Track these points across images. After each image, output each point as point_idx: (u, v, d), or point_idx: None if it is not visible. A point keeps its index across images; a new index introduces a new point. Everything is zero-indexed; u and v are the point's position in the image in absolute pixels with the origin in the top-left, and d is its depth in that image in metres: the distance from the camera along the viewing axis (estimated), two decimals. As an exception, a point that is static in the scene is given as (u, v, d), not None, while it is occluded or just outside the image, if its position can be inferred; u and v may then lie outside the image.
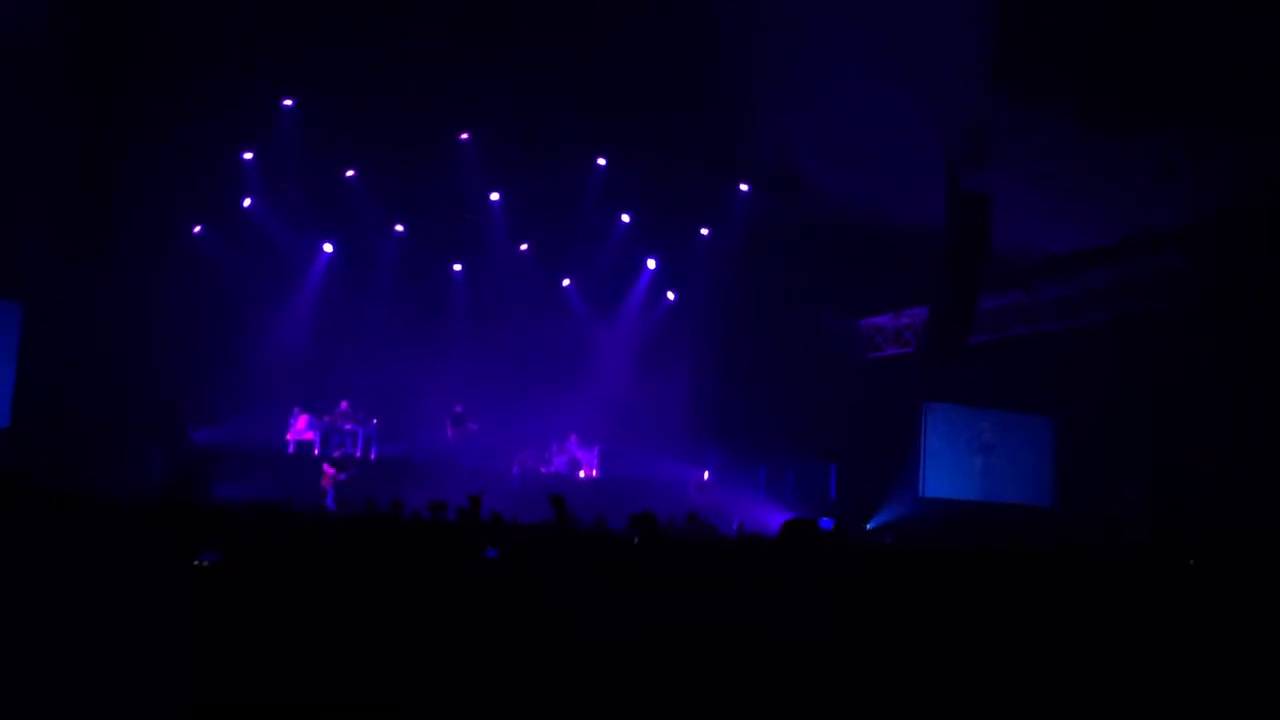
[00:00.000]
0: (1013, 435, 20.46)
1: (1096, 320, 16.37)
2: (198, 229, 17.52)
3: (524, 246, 19.32)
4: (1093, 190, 13.85)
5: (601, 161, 18.74)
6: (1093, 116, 12.27)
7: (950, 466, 20.17)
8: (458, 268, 19.46)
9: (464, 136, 18.16)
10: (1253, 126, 11.73)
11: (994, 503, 19.79)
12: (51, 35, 13.97)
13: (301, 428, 17.76)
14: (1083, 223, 14.89)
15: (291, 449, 17.54)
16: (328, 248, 18.41)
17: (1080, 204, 14.29)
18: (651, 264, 20.06)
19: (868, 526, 19.49)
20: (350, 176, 17.89)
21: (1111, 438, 17.74)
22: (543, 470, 18.90)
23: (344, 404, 18.13)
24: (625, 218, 19.43)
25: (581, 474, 19.13)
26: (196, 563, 5.24)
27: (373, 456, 18.00)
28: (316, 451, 17.48)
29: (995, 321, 17.76)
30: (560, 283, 20.06)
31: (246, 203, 17.55)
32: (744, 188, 19.31)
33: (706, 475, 19.81)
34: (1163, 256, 14.78)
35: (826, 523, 17.87)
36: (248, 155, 17.35)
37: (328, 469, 16.58)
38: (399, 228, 18.63)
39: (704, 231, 19.83)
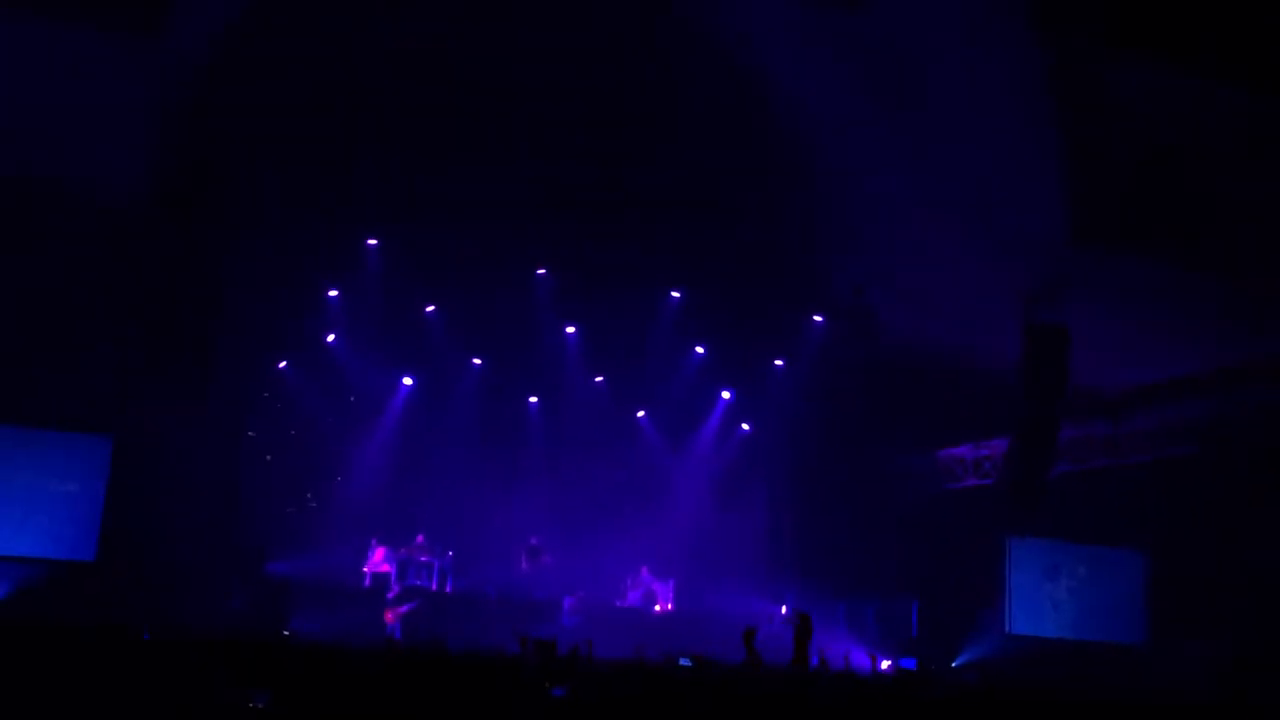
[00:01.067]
0: (1102, 570, 19.81)
1: (1183, 452, 15.95)
2: (283, 364, 17.97)
3: (599, 379, 19.47)
4: (1175, 324, 13.68)
5: (676, 294, 18.95)
6: (1172, 259, 12.22)
7: (1037, 602, 19.53)
8: (534, 400, 19.65)
9: (541, 271, 18.53)
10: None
11: (1083, 640, 19.07)
12: (149, 176, 14.62)
13: (379, 560, 17.82)
14: (1165, 356, 14.66)
15: (368, 581, 17.58)
16: (407, 381, 18.74)
17: (1161, 337, 14.10)
18: (726, 395, 20.05)
19: (953, 664, 18.87)
20: (430, 312, 18.29)
21: (1207, 574, 17.09)
22: (617, 604, 18.68)
23: (420, 537, 18.21)
24: (700, 349, 19.53)
25: (656, 608, 18.85)
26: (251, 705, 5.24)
27: (448, 589, 17.96)
28: (394, 584, 17.49)
29: (1079, 453, 17.37)
30: (635, 415, 20.12)
31: (330, 338, 18.00)
32: (818, 319, 19.33)
33: (784, 610, 19.39)
34: (1250, 388, 14.43)
35: (909, 662, 17.38)
36: (333, 292, 17.85)
37: (388, 615, 16.58)
38: (476, 361, 18.92)
39: (778, 363, 19.83)
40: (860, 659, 17.25)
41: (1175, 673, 16.70)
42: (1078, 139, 11.79)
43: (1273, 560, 15.54)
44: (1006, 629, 19.16)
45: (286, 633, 14.55)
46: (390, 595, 17.06)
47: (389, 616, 16.52)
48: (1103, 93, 11.47)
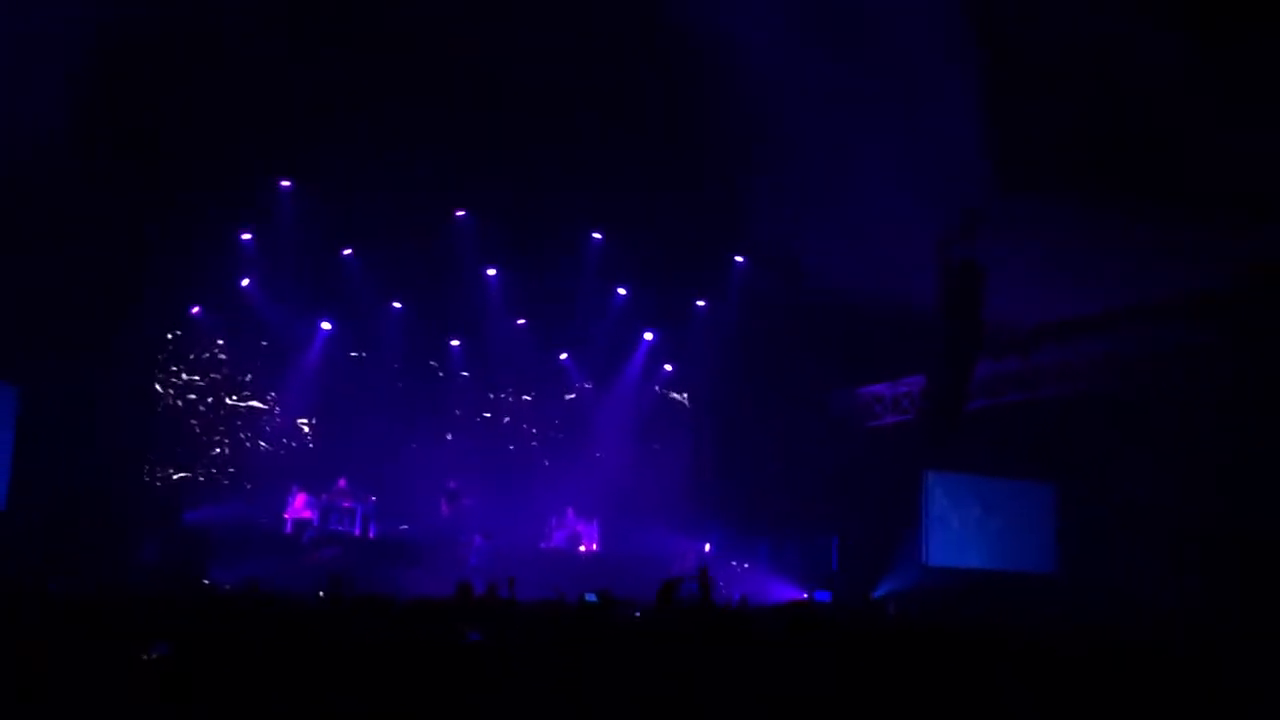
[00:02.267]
0: (1014, 502, 20.32)
1: (1098, 387, 16.34)
2: (196, 310, 17.60)
3: (521, 321, 19.37)
4: (1090, 262, 13.94)
5: (598, 236, 18.86)
6: (1092, 200, 12.41)
7: (953, 535, 20.00)
8: (455, 344, 19.50)
9: (460, 213, 18.30)
10: (1250, 216, 11.89)
11: (998, 570, 19.60)
12: (60, 123, 14.14)
13: (300, 506, 17.66)
14: (1079, 294, 14.96)
15: (289, 528, 17.43)
16: (326, 326, 18.47)
17: (1077, 275, 14.37)
18: (649, 336, 20.09)
19: (872, 596, 19.30)
20: (347, 255, 17.99)
21: (1115, 505, 17.62)
22: (541, 546, 18.77)
23: (342, 482, 18.07)
24: (622, 291, 19.50)
25: (581, 548, 18.99)
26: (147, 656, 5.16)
27: (371, 534, 17.90)
28: (314, 529, 17.38)
29: (993, 388, 17.74)
30: (558, 357, 20.09)
31: (245, 282, 17.63)
32: (739, 260, 19.39)
33: (708, 548, 19.66)
34: (1158, 326, 14.81)
35: (824, 595, 17.78)
36: (246, 236, 17.46)
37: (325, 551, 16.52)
38: (396, 305, 18.70)
39: (700, 303, 19.89)
40: (783, 594, 17.59)
41: (1082, 600, 17.25)
42: (1000, 76, 11.87)
43: (1169, 492, 16.03)
44: (923, 560, 19.62)
45: (206, 582, 14.41)
46: (307, 540, 16.97)
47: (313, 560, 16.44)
48: (1028, 29, 11.55)
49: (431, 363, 19.56)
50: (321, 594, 11.42)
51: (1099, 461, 17.36)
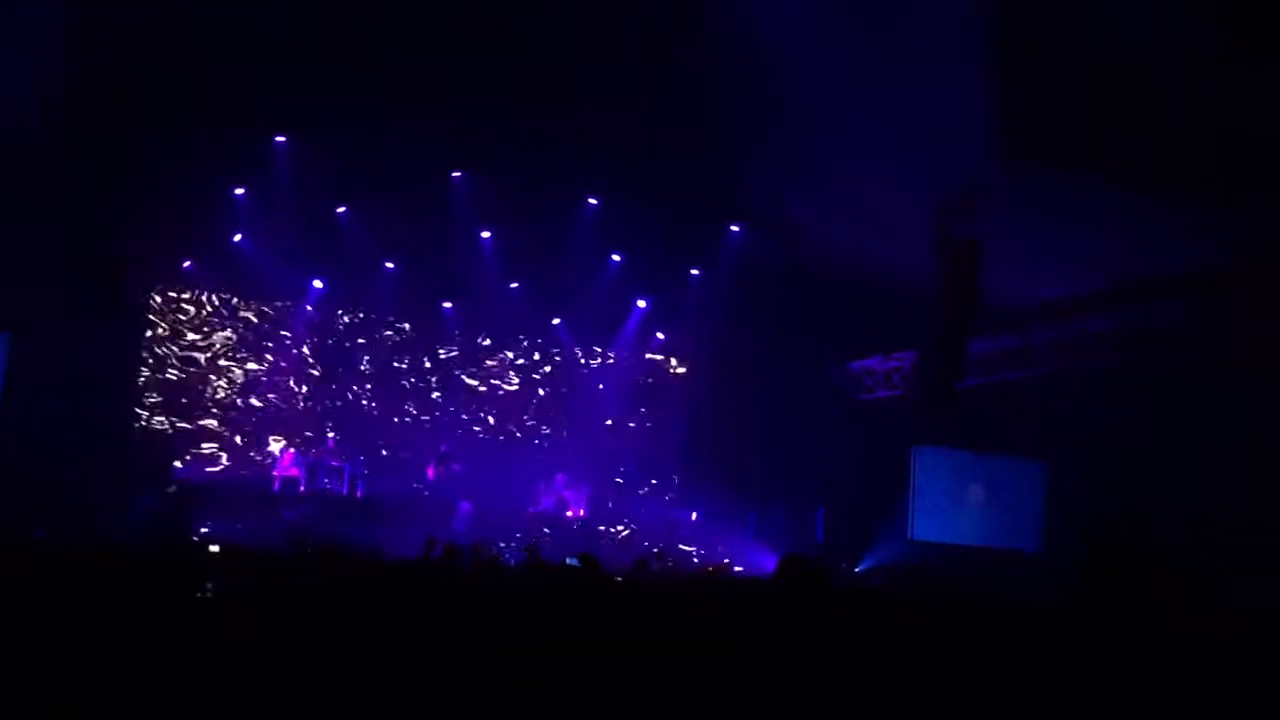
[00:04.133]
0: (1002, 479, 20.40)
1: (1091, 366, 16.33)
2: (188, 264, 17.48)
3: (514, 285, 19.29)
4: (1089, 238, 13.90)
5: (593, 201, 18.76)
6: (1093, 175, 12.35)
7: (940, 510, 20.08)
8: (448, 305, 19.42)
9: (456, 175, 18.16)
10: (1251, 193, 11.85)
11: (983, 547, 19.69)
12: (57, 77, 14.00)
13: (288, 464, 17.65)
14: (1078, 270, 14.92)
15: (277, 486, 17.41)
16: (318, 284, 18.36)
17: (1075, 251, 14.33)
18: (642, 304, 20.03)
19: (856, 569, 19.38)
20: (341, 213, 17.86)
21: (1103, 486, 17.67)
22: (530, 510, 18.80)
23: (331, 441, 18.03)
24: (616, 257, 19.43)
25: (569, 514, 19.02)
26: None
27: (359, 494, 17.90)
28: (301, 487, 17.37)
29: (987, 366, 17.73)
30: (551, 321, 20.03)
31: (237, 238, 17.50)
32: (735, 229, 19.32)
33: (695, 516, 19.73)
34: (1158, 304, 14.78)
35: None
36: (239, 191, 17.31)
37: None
38: (389, 265, 18.59)
39: (695, 272, 19.83)
40: (769, 564, 17.64)
41: (1064, 579, 17.34)
42: (1005, 45, 11.78)
43: (1156, 475, 16.06)
44: (909, 535, 19.71)
45: (196, 537, 14.39)
46: (287, 497, 16.97)
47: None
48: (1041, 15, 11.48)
49: (424, 324, 19.47)
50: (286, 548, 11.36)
51: (1091, 441, 17.37)
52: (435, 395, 19.38)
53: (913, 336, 17.13)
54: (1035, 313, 16.52)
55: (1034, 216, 13.83)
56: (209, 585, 5.43)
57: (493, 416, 19.76)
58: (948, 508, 20.12)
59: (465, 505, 17.57)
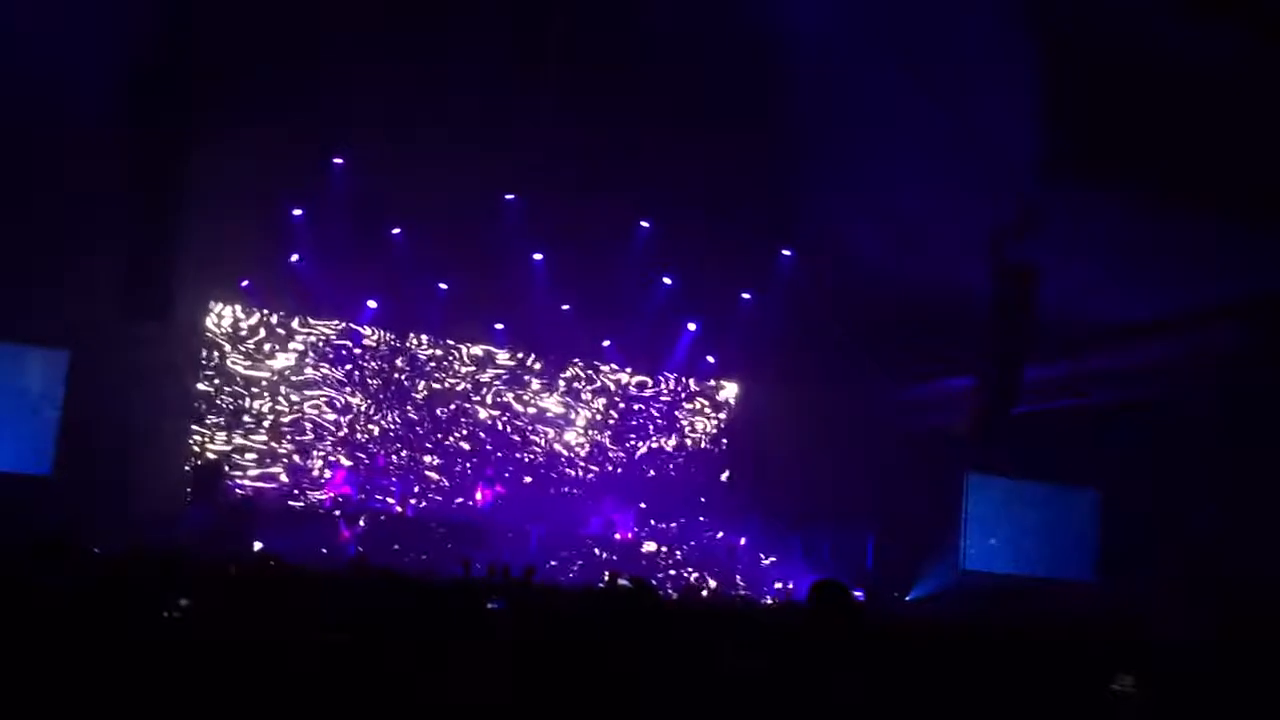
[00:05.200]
0: (1056, 508, 20.11)
1: (1147, 395, 16.08)
2: (245, 283, 17.74)
3: (566, 307, 19.36)
4: (1146, 264, 13.72)
5: (645, 224, 18.81)
6: (1150, 199, 12.20)
7: (992, 539, 19.84)
8: (499, 326, 19.53)
9: (509, 197, 18.31)
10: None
11: (1035, 576, 19.40)
12: (116, 96, 14.31)
13: (339, 481, 17.83)
14: (1134, 296, 14.71)
15: (329, 504, 17.58)
16: (372, 304, 18.55)
17: (1132, 277, 14.14)
18: (692, 327, 20.02)
19: (907, 598, 19.18)
20: (396, 234, 18.05)
21: (1158, 514, 17.38)
22: (579, 532, 18.82)
23: (381, 459, 18.19)
24: (667, 280, 19.45)
25: (617, 536, 19.01)
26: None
27: (408, 513, 18.04)
28: (353, 505, 17.53)
29: (1041, 393, 17.49)
30: (601, 343, 20.07)
31: (294, 258, 17.75)
32: (786, 253, 19.29)
33: (743, 541, 19.63)
34: (1217, 329, 14.52)
35: (858, 594, 17.66)
36: (297, 211, 17.56)
37: (344, 530, 16.70)
38: (442, 286, 18.74)
39: (745, 296, 19.80)
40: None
41: (1119, 609, 17.03)
42: (1062, 71, 11.69)
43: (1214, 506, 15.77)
44: (961, 565, 19.47)
45: (256, 547, 14.60)
46: (345, 515, 17.13)
47: (345, 535, 16.59)
48: (1088, 17, 11.37)
49: (474, 344, 19.62)
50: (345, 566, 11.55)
51: (1146, 470, 17.10)
52: (484, 416, 19.46)
53: (966, 363, 16.94)
54: (1091, 338, 16.30)
55: (1089, 239, 13.67)
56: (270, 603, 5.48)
57: (543, 438, 19.80)
58: (1000, 536, 19.87)
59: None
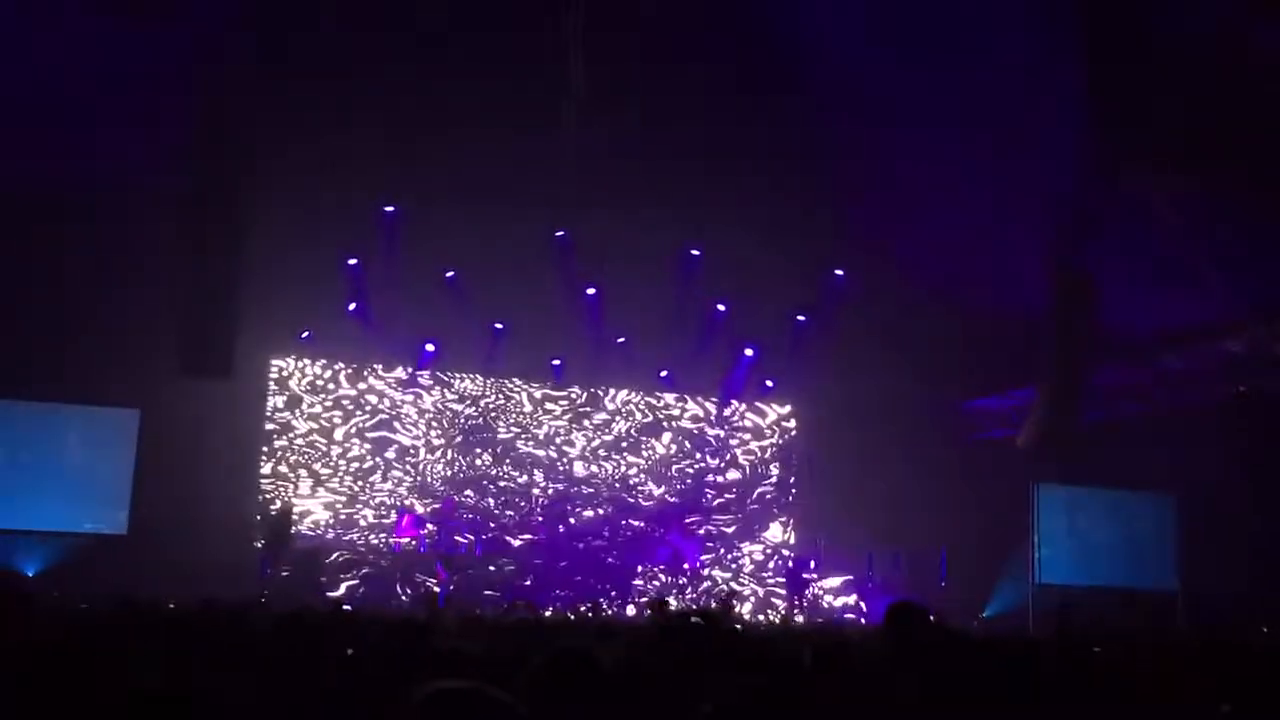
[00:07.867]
0: (1133, 516, 19.66)
1: (1219, 396, 15.74)
2: (306, 334, 17.98)
3: (621, 340, 19.37)
4: (1209, 266, 13.46)
5: (695, 252, 18.80)
6: (1211, 200, 11.99)
7: (1066, 551, 19.44)
8: (557, 362, 19.61)
9: (560, 233, 18.41)
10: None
11: (1113, 587, 18.94)
12: (172, 156, 14.66)
13: (407, 526, 17.92)
14: (1198, 299, 14.43)
15: (398, 549, 17.68)
16: (430, 348, 18.71)
17: (1196, 279, 13.86)
18: (749, 352, 19.94)
19: (983, 615, 18.85)
20: (450, 277, 18.20)
21: (1239, 516, 16.94)
22: (648, 563, 18.77)
23: (449, 503, 18.31)
24: (721, 307, 19.41)
25: (685, 566, 18.90)
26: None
27: (478, 551, 18.10)
28: (422, 551, 17.59)
29: (1110, 400, 17.20)
30: (659, 374, 20.06)
31: (352, 307, 17.96)
32: (839, 273, 19.18)
33: (814, 564, 19.42)
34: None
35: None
36: (352, 261, 17.79)
37: (441, 571, 16.70)
38: (499, 325, 18.86)
39: (800, 318, 19.69)
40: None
41: (1205, 617, 16.60)
42: (1112, 73, 11.54)
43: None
44: (1037, 578, 19.08)
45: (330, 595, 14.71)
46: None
47: (441, 574, 16.62)
48: (1140, 27, 11.23)
49: (534, 381, 19.72)
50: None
51: (1223, 474, 16.68)
52: (543, 453, 19.56)
53: (1029, 373, 16.68)
54: (1157, 344, 15.99)
55: (1151, 241, 13.44)
56: (349, 650, 5.48)
57: (604, 469, 19.82)
58: (1074, 547, 19.45)
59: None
